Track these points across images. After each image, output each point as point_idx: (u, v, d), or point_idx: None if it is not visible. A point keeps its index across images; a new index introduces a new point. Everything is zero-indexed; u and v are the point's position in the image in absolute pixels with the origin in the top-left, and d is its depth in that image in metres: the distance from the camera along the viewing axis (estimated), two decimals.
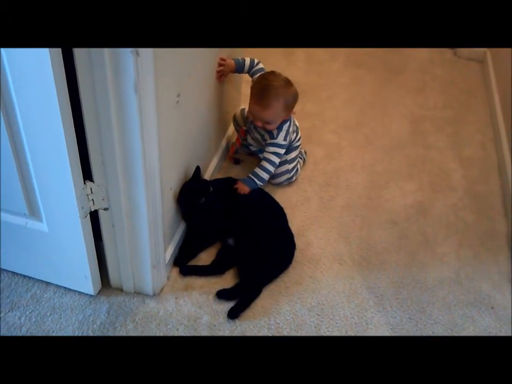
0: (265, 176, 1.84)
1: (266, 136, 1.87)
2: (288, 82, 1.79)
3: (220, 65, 1.78)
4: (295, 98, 1.81)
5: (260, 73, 1.86)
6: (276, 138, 1.83)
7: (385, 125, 2.37)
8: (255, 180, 1.82)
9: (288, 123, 1.85)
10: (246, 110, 2.01)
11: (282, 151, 1.85)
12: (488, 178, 2.10)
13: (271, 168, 1.84)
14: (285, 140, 1.84)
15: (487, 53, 2.80)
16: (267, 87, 1.75)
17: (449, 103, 2.55)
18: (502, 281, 1.68)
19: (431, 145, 2.26)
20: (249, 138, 1.99)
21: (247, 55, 1.97)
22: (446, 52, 2.97)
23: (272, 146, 1.84)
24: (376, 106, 2.49)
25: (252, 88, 1.82)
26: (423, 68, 2.82)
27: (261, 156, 1.98)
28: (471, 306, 1.59)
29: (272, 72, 1.81)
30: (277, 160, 1.85)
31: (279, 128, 1.83)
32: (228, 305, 1.51)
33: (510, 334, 1.51)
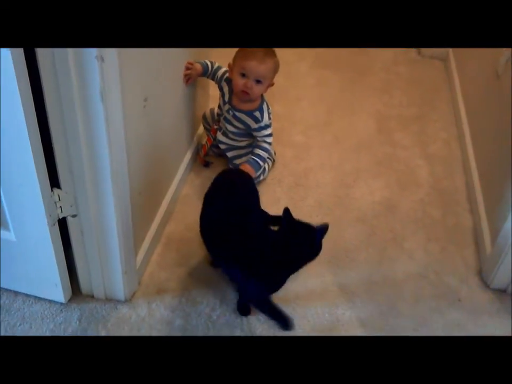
0: (265, 155, 1.92)
1: (250, 122, 1.90)
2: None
3: (187, 68, 1.79)
4: (278, 66, 1.86)
5: (222, 70, 1.92)
6: (262, 120, 1.90)
7: (353, 124, 2.40)
8: (257, 160, 1.90)
9: (264, 103, 1.92)
10: (216, 109, 2.03)
11: (271, 129, 1.94)
12: (453, 175, 2.15)
13: (268, 146, 1.94)
14: (270, 119, 1.93)
15: (450, 52, 2.86)
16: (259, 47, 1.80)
17: (414, 101, 2.59)
18: (468, 274, 1.72)
19: (397, 143, 2.30)
20: (219, 135, 1.99)
21: (215, 56, 1.97)
22: (410, 51, 3.02)
23: (262, 129, 1.91)
24: (343, 107, 2.52)
25: (240, 51, 1.82)
26: (387, 67, 2.86)
27: (228, 154, 1.99)
28: (439, 299, 1.63)
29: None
30: (271, 139, 1.94)
31: (261, 111, 1.89)
32: (197, 308, 1.52)
33: (477, 326, 1.56)
